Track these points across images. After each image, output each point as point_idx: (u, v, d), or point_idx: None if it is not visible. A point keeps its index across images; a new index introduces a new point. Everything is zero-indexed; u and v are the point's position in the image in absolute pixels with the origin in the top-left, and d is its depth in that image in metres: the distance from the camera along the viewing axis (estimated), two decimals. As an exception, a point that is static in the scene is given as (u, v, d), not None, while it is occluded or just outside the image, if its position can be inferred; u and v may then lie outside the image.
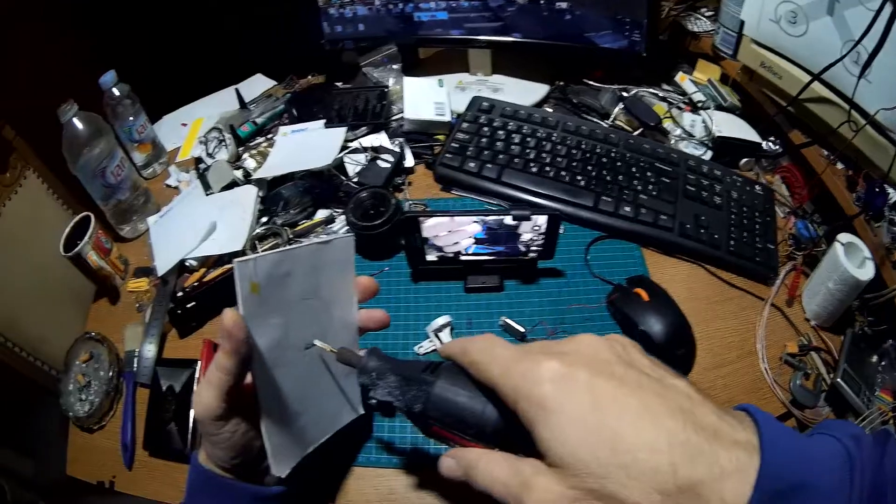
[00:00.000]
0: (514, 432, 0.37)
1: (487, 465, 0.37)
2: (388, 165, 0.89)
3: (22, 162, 1.06)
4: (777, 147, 0.90)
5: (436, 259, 0.76)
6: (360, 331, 0.57)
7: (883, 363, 0.69)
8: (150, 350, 0.77)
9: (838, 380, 0.66)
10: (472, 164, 0.86)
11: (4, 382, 0.96)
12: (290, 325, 0.48)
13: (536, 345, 0.39)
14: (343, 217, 0.86)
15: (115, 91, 0.96)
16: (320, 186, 0.89)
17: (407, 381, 0.44)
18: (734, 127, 0.90)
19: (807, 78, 0.77)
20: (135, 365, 0.77)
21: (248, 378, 0.47)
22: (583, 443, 0.32)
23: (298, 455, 0.51)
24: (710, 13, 1.02)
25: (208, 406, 0.46)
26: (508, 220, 0.71)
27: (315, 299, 0.51)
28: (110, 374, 0.77)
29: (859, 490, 0.29)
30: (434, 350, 0.72)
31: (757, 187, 0.86)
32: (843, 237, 0.70)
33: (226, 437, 0.47)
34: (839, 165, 0.78)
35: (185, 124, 1.14)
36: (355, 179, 0.90)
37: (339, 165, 0.91)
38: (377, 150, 0.91)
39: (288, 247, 0.48)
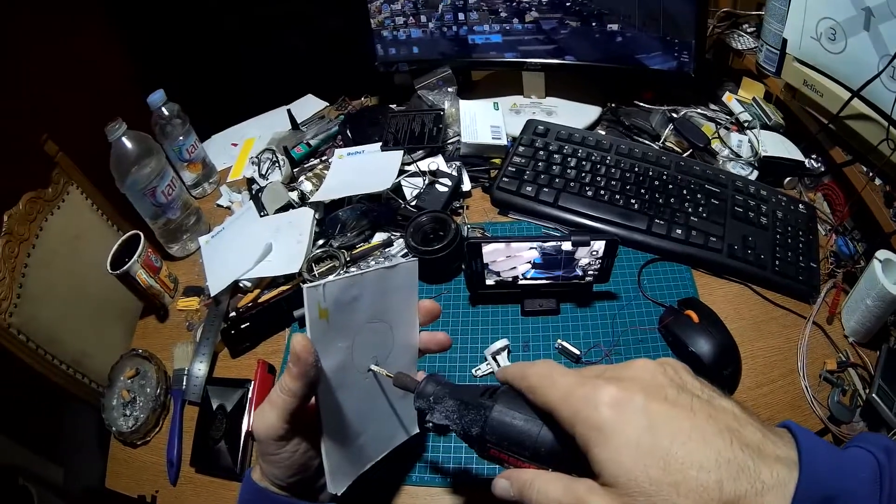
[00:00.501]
0: (568, 453, 0.39)
1: (542, 485, 0.38)
2: (447, 189, 0.92)
3: (65, 177, 1.10)
4: (819, 165, 0.93)
5: (494, 283, 0.79)
6: (421, 353, 0.59)
7: None
8: (200, 369, 0.79)
9: (873, 395, 0.69)
10: (529, 188, 0.91)
11: (43, 393, 1.00)
12: (355, 349, 0.50)
13: (592, 370, 0.41)
14: (401, 240, 0.89)
15: (164, 110, 0.97)
16: (378, 209, 0.92)
17: (465, 406, 0.45)
18: (779, 146, 0.94)
19: (847, 95, 0.79)
20: (184, 383, 0.79)
21: (311, 399, 0.48)
22: (637, 463, 0.34)
23: (355, 473, 0.53)
24: (752, 29, 1.04)
25: (271, 426, 0.48)
26: (567, 246, 0.74)
27: (380, 322, 0.53)
28: (157, 391, 0.78)
29: (888, 498, 0.33)
30: (491, 372, 0.75)
31: (800, 206, 0.89)
32: (881, 254, 0.72)
33: (286, 457, 0.49)
34: (877, 181, 0.81)
35: (235, 144, 1.16)
36: (413, 203, 0.93)
37: (396, 189, 0.94)
38: (435, 174, 0.94)
39: (355, 272, 0.50)
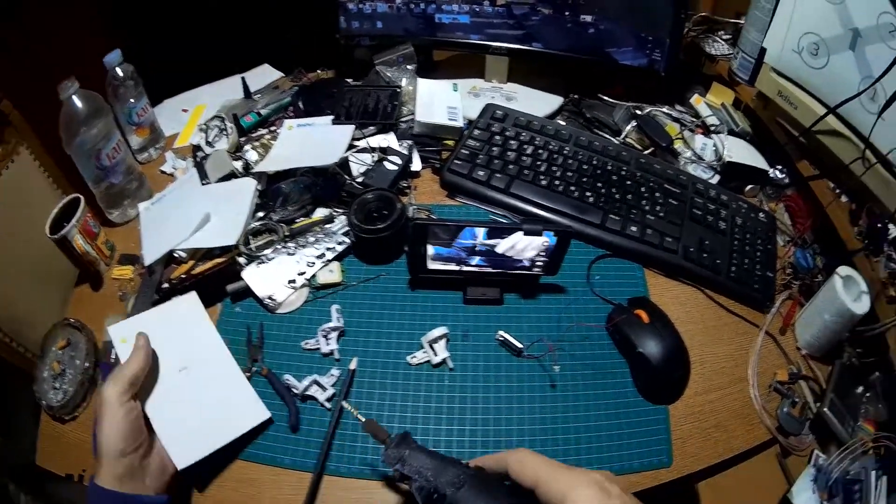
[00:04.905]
0: None
1: None
2: (396, 168, 0.88)
3: (16, 137, 1.03)
4: (784, 176, 0.90)
5: (437, 268, 0.75)
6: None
7: (868, 394, 0.70)
8: (128, 341, 0.75)
9: (824, 409, 0.67)
10: (480, 173, 0.86)
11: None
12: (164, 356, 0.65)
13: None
14: (343, 217, 0.85)
15: (119, 71, 0.93)
16: (322, 184, 0.87)
17: (443, 465, 0.47)
18: (744, 153, 0.91)
19: (822, 110, 0.78)
20: (112, 356, 0.74)
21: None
22: None
23: (200, 453, 0.62)
24: (728, 37, 1.02)
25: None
26: (500, 248, 0.71)
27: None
28: (86, 364, 0.74)
29: None
30: (427, 361, 0.72)
31: (761, 214, 0.87)
32: (842, 270, 0.71)
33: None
34: (843, 199, 0.79)
35: (185, 110, 1.12)
36: (360, 180, 0.88)
37: (343, 164, 0.90)
38: (385, 152, 0.90)
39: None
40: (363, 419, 0.55)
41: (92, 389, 0.74)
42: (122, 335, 0.66)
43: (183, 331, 0.70)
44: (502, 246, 0.71)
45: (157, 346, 0.65)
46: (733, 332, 0.77)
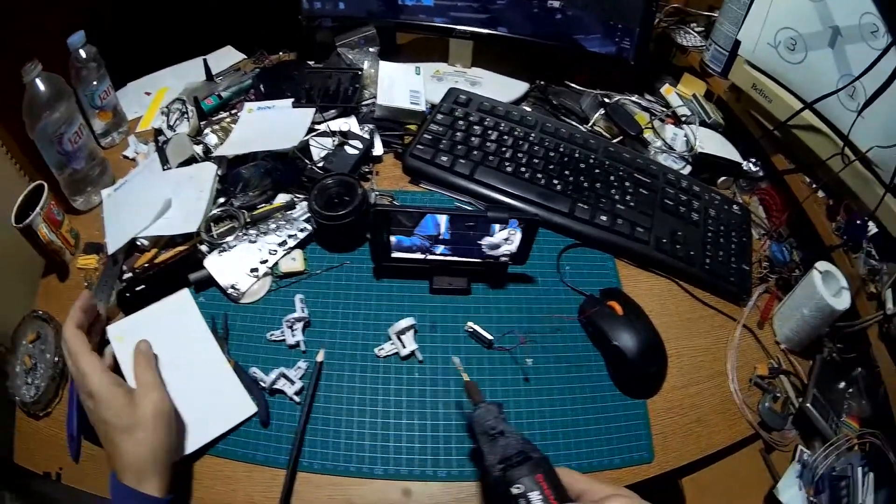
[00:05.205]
0: None
1: None
2: (356, 152, 0.84)
3: None
4: (758, 169, 0.88)
5: (401, 256, 0.71)
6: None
7: (851, 390, 0.69)
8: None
9: (807, 404, 0.66)
10: (444, 158, 0.82)
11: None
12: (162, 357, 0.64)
13: None
14: (304, 203, 0.81)
15: (82, 53, 0.89)
16: (282, 169, 0.83)
17: (527, 439, 0.50)
18: (716, 144, 0.89)
19: (798, 105, 0.76)
20: None
21: None
22: None
23: (192, 447, 0.62)
24: (701, 29, 1.00)
25: None
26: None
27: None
28: (56, 358, 0.70)
29: None
30: (395, 353, 0.68)
31: (735, 207, 0.84)
32: (821, 265, 0.69)
33: None
34: (820, 194, 0.78)
35: (148, 93, 1.07)
36: (320, 164, 0.84)
37: (304, 148, 0.86)
38: (345, 136, 0.86)
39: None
40: (467, 378, 0.57)
41: (63, 384, 0.71)
42: (118, 333, 0.65)
43: (176, 327, 0.70)
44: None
45: (154, 342, 0.65)
46: (709, 325, 0.74)
